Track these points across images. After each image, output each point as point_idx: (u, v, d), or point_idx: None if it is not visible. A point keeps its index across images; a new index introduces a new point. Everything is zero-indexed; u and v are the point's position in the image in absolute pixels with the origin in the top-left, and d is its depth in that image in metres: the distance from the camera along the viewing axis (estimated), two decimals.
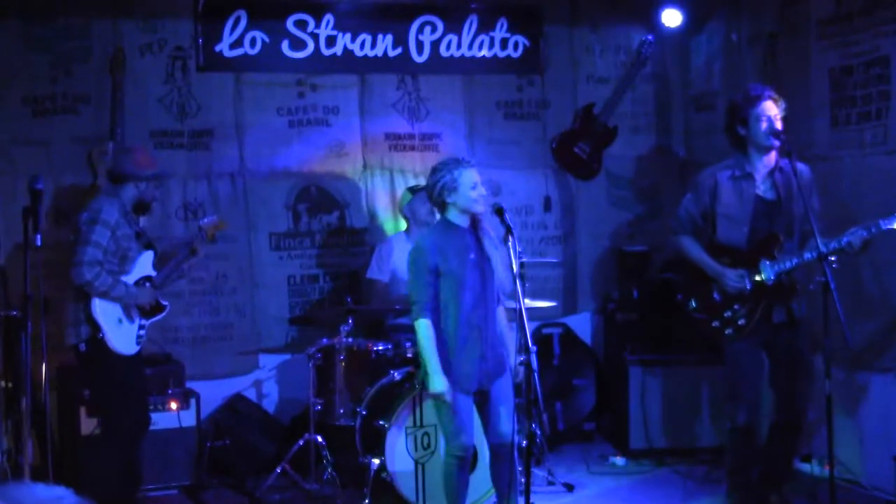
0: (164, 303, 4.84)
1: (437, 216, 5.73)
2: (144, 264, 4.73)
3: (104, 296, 4.49)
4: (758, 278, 4.55)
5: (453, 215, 4.34)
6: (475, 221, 4.39)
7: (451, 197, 4.28)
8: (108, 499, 4.30)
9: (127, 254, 4.61)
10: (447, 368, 4.25)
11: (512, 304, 4.22)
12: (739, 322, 4.61)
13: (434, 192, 4.33)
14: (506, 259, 4.24)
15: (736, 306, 4.61)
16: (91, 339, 4.52)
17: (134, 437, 4.70)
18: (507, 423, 4.36)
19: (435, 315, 4.29)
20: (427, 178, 4.41)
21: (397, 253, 5.78)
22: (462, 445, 4.32)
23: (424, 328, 4.26)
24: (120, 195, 4.63)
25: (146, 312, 4.73)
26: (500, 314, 4.48)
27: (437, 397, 4.25)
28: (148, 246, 4.78)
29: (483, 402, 4.41)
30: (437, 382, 4.22)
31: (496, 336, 4.38)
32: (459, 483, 4.40)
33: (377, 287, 5.80)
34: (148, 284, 4.72)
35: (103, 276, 4.46)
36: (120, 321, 4.58)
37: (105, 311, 4.52)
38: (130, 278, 4.63)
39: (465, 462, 4.37)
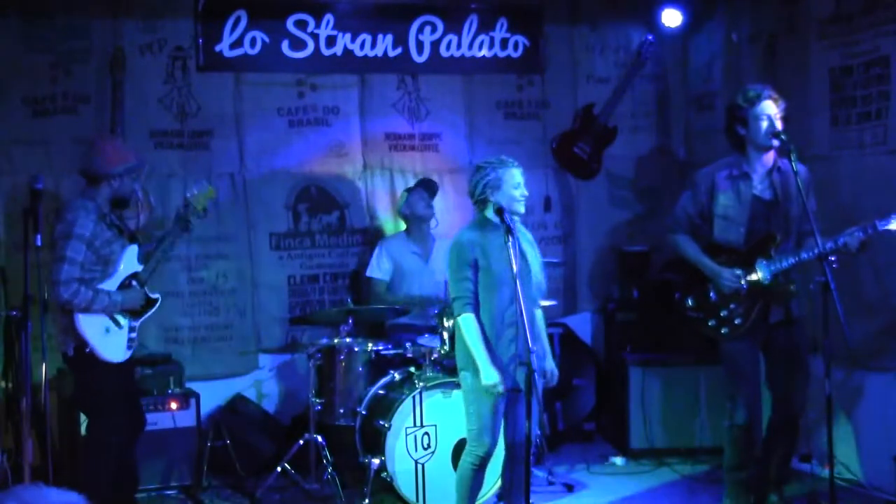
0: (155, 296, 4.60)
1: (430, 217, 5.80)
2: (130, 261, 4.49)
3: (86, 311, 4.31)
4: (754, 278, 4.55)
5: (492, 213, 4.29)
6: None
7: (494, 195, 4.26)
8: (104, 501, 4.28)
9: (110, 257, 4.42)
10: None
11: (547, 303, 4.14)
12: (735, 321, 4.60)
13: (476, 190, 4.29)
14: (540, 259, 4.29)
15: (732, 305, 4.61)
16: (78, 348, 4.36)
17: (122, 442, 4.54)
18: (531, 424, 4.27)
19: (474, 310, 4.24)
20: (469, 176, 4.37)
21: (398, 252, 5.80)
22: (485, 445, 4.25)
23: (470, 322, 4.20)
24: (95, 197, 4.41)
25: (136, 312, 4.53)
26: (538, 314, 4.43)
27: (491, 388, 4.14)
28: (132, 239, 4.58)
29: (511, 401, 4.30)
30: (490, 374, 4.12)
31: (532, 335, 4.24)
32: (475, 483, 4.35)
33: (377, 286, 5.82)
34: (134, 283, 4.49)
35: (82, 293, 4.26)
36: (107, 330, 4.39)
37: (90, 324, 4.34)
38: (115, 280, 4.43)
39: (485, 462, 4.30)
